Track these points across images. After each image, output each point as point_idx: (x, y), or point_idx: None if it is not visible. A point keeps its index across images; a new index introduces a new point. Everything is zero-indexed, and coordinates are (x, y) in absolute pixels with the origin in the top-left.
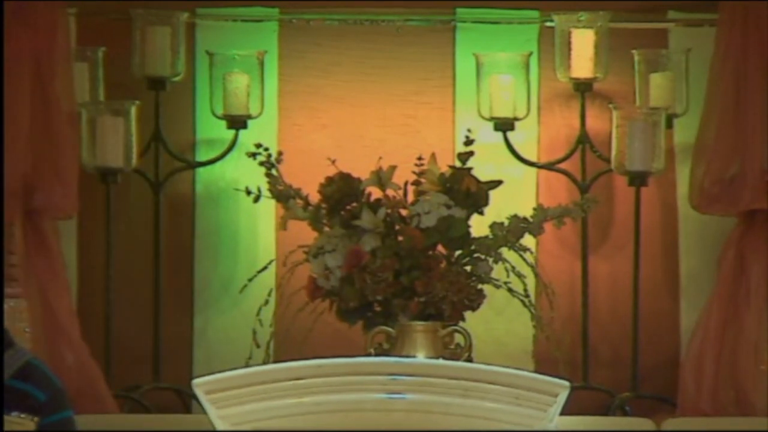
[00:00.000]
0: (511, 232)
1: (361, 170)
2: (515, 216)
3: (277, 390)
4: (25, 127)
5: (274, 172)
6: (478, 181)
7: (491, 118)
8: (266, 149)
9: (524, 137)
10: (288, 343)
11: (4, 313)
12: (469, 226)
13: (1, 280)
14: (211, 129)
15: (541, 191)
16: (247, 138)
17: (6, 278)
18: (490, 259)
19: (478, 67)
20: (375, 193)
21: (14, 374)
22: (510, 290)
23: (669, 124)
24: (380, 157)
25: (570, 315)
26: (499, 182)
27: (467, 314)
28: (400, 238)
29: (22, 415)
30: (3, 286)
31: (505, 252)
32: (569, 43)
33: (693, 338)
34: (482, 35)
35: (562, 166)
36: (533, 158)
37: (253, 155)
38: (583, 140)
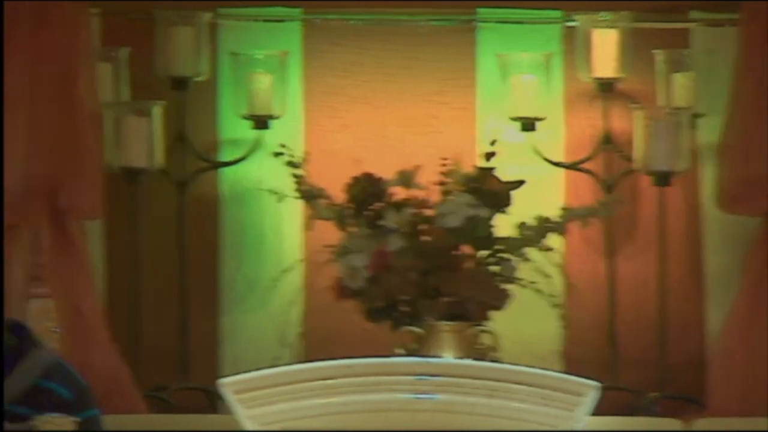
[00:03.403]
0: (536, 232)
1: (385, 170)
2: (540, 216)
3: (305, 390)
4: (49, 128)
5: (299, 171)
6: (501, 181)
7: (515, 118)
8: (290, 149)
9: (549, 137)
10: (315, 343)
11: (32, 313)
12: (492, 226)
13: (1, 279)
14: (235, 129)
15: (566, 191)
16: (271, 138)
17: (33, 278)
18: (517, 259)
19: (501, 67)
20: (399, 193)
21: (40, 374)
22: (537, 290)
23: (692, 124)
24: (408, 159)
25: (596, 315)
26: (521, 182)
27: (493, 314)
28: (425, 238)
29: (56, 415)
30: (3, 285)
31: (531, 252)
32: (591, 43)
33: (720, 338)
34: (504, 35)
35: (586, 166)
36: (558, 158)
37: (278, 155)
38: (607, 140)
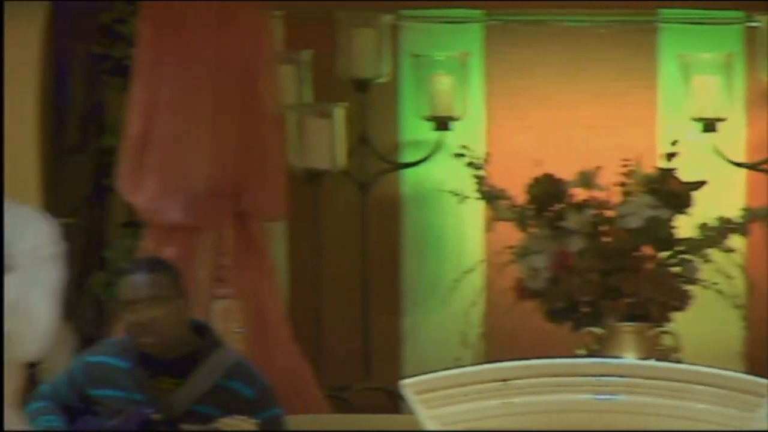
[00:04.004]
0: (717, 232)
1: (565, 171)
2: (721, 216)
3: (486, 391)
4: (232, 130)
5: (480, 173)
6: (682, 182)
7: (696, 119)
8: (471, 150)
9: (730, 138)
10: (496, 344)
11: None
12: (673, 227)
13: (1, 277)
14: (416, 130)
15: (747, 192)
16: (453, 139)
17: (217, 280)
18: (698, 260)
19: (682, 67)
20: (580, 194)
21: (224, 374)
22: (718, 291)
23: None
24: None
25: None
26: (702, 183)
27: (674, 315)
28: (606, 239)
29: (238, 417)
30: (2, 283)
31: (712, 253)
32: None
33: None
34: (686, 36)
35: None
36: (739, 159)
37: (459, 156)
38: None
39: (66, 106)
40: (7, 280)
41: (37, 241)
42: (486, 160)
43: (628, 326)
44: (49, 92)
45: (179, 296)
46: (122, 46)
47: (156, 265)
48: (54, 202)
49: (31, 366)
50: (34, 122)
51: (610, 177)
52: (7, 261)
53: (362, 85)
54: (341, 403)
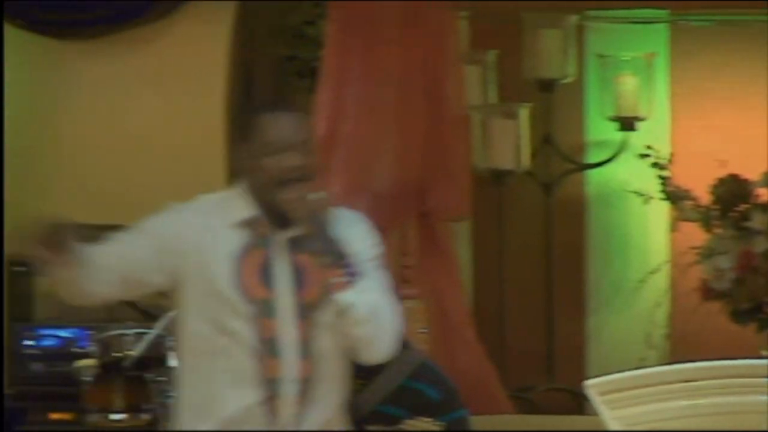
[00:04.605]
0: None
1: (751, 171)
2: None
3: (670, 392)
4: (418, 131)
5: (665, 173)
6: None
7: None
8: (656, 151)
9: None
10: (682, 345)
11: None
12: None
13: (1, 279)
14: (601, 130)
15: None
16: (637, 139)
17: (401, 280)
18: None
19: None
20: (766, 194)
21: (409, 374)
22: None
23: None
24: None
25: None
26: None
27: None
28: None
29: (423, 418)
30: (2, 285)
31: None
32: None
33: None
34: None
35: None
36: None
37: (644, 156)
38: None
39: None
40: (358, 286)
41: (367, 244)
42: (671, 161)
43: None
44: (238, 94)
45: None
46: (310, 48)
47: None
48: None
49: None
50: (221, 124)
51: None
52: (356, 268)
53: (548, 86)
54: (525, 404)
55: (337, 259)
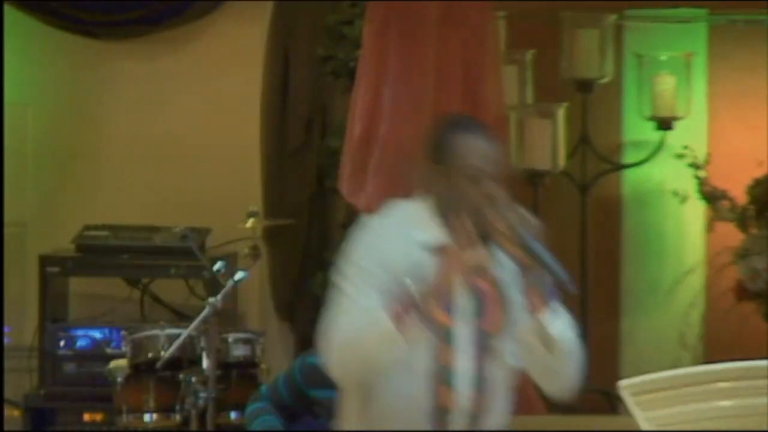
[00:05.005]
0: None
1: None
2: None
3: (704, 393)
4: None
5: (701, 173)
6: None
7: None
8: (693, 151)
9: None
10: (716, 345)
11: None
12: None
13: (1, 280)
14: (638, 130)
15: None
16: (674, 139)
17: None
18: None
19: None
20: None
21: None
22: None
23: None
24: None
25: None
26: None
27: None
28: None
29: None
30: (2, 286)
31: None
32: None
33: None
34: None
35: None
36: None
37: (681, 156)
38: None
39: (290, 107)
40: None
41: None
42: (707, 161)
43: None
44: (274, 93)
45: None
46: (347, 48)
47: None
48: (277, 203)
49: (252, 367)
50: (259, 123)
51: None
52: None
53: (585, 86)
54: (558, 404)
55: (542, 282)
